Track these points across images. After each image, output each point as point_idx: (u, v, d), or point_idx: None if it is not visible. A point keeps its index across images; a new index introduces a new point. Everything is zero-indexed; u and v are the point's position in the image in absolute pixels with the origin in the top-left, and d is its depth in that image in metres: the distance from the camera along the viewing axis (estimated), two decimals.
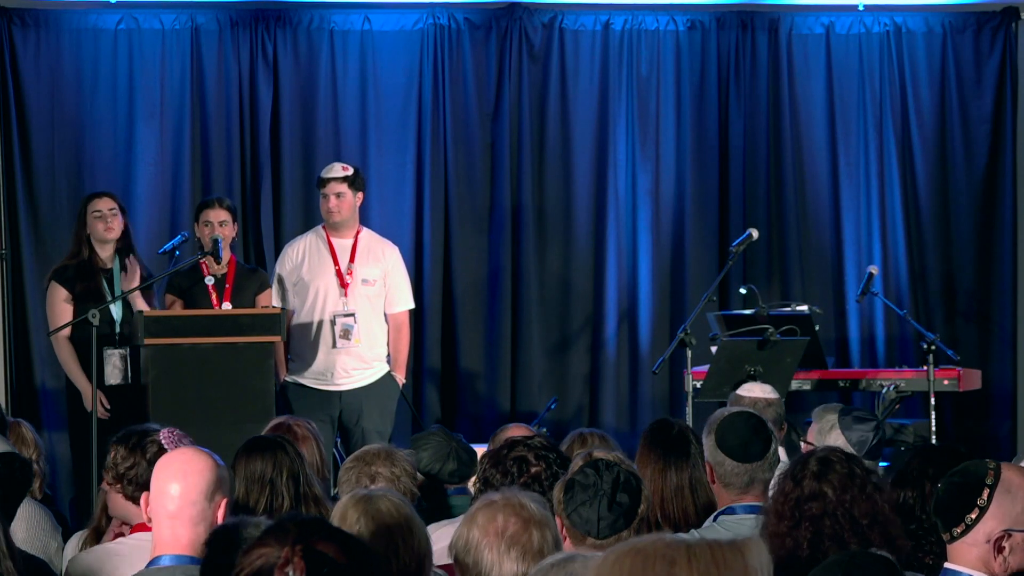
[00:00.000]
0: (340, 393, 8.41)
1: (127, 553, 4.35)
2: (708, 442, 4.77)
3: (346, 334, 8.37)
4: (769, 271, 10.23)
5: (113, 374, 8.00)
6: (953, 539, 3.61)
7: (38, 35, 9.72)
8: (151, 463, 4.48)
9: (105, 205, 8.16)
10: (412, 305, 8.74)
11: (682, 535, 2.31)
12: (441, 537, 4.34)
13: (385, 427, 8.46)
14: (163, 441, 4.62)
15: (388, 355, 8.55)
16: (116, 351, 7.96)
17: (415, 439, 6.04)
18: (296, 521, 2.32)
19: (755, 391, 6.37)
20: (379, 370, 8.49)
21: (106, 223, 8.12)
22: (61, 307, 8.03)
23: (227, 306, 8.13)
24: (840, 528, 4.03)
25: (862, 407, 6.48)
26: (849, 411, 5.91)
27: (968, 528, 3.59)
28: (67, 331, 7.92)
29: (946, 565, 3.64)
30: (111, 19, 9.77)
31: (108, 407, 7.92)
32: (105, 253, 8.18)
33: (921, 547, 4.35)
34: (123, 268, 8.17)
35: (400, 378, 8.57)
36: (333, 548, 2.28)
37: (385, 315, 8.56)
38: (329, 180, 8.41)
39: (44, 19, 9.73)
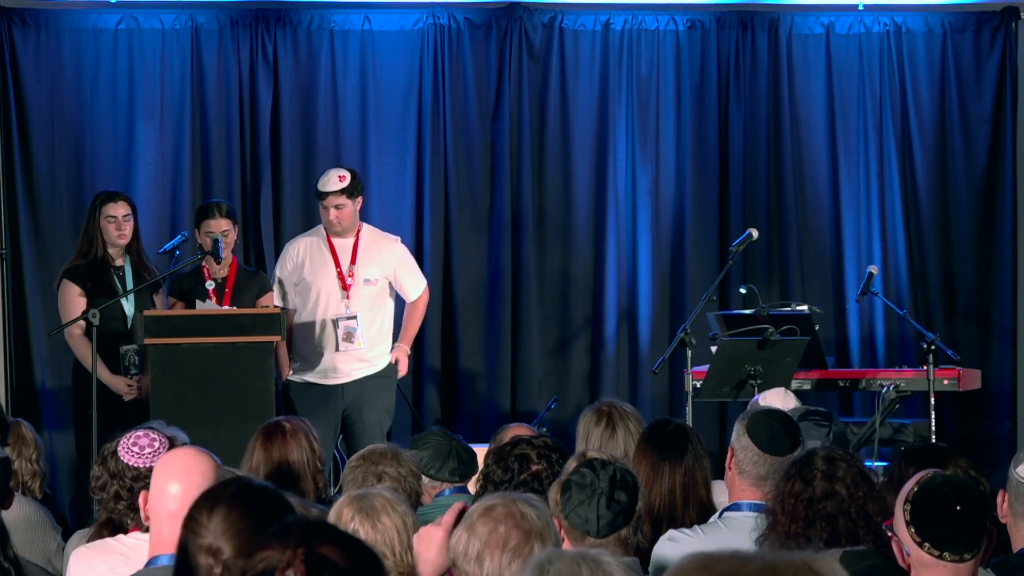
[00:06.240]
0: (342, 387, 8.42)
1: (126, 552, 4.36)
2: (739, 427, 4.80)
3: (349, 337, 8.37)
4: (769, 271, 10.23)
5: (129, 370, 8.00)
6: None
7: (38, 35, 9.71)
8: (114, 476, 4.52)
9: (120, 211, 8.13)
10: (425, 283, 8.72)
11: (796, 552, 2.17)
12: None
13: (386, 419, 8.46)
14: (121, 454, 4.62)
15: (391, 347, 8.53)
16: (131, 347, 7.95)
17: (415, 439, 6.04)
18: (301, 524, 2.31)
19: (777, 404, 6.00)
20: (380, 365, 8.49)
21: (119, 229, 8.11)
22: (75, 302, 7.99)
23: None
24: (855, 526, 4.04)
25: (823, 409, 6.31)
26: (807, 416, 5.85)
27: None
28: (82, 327, 7.87)
29: None
30: (111, 19, 9.77)
31: (131, 387, 7.93)
32: (115, 251, 8.17)
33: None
34: (134, 267, 8.17)
35: (405, 348, 8.52)
36: (336, 552, 2.27)
37: (387, 312, 8.56)
38: (328, 193, 8.33)
39: (44, 19, 9.72)
